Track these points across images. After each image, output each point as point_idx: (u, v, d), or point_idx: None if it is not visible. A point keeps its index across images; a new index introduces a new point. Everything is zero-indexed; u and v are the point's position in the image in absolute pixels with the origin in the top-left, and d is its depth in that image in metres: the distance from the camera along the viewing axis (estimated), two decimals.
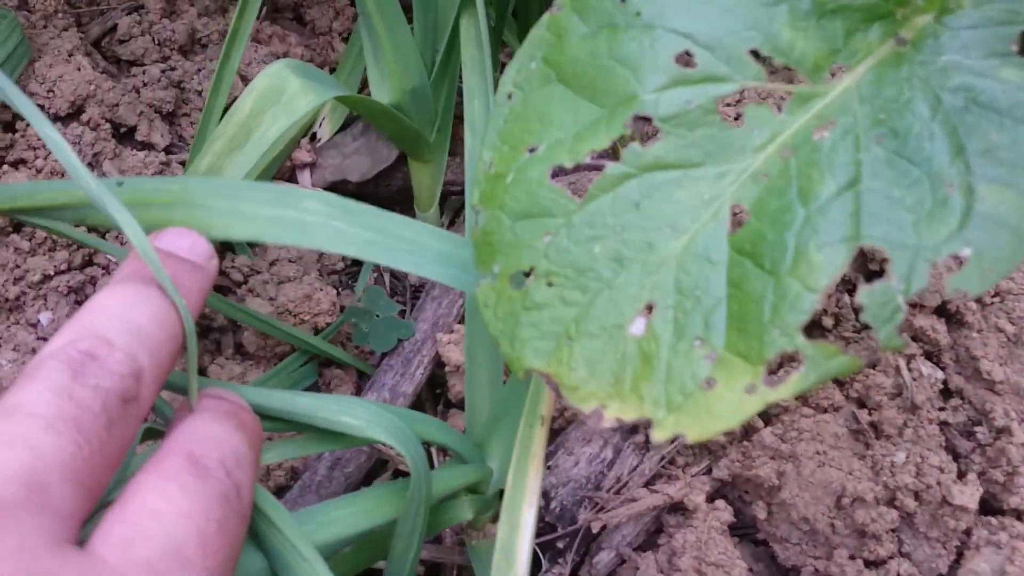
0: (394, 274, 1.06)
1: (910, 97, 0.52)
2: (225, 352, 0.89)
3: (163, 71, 1.00)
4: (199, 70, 1.02)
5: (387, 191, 1.01)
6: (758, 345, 0.47)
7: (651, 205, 0.53)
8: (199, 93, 1.00)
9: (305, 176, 1.00)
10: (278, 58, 1.07)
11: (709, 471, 0.80)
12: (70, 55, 0.93)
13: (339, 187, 0.99)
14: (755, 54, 0.53)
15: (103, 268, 0.85)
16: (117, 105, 0.92)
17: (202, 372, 0.87)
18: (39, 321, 0.81)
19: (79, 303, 0.83)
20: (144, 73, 0.97)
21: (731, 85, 0.53)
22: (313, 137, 1.04)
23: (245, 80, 1.03)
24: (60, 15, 0.97)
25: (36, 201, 0.57)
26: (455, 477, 0.67)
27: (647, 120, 0.54)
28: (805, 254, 0.48)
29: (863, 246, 0.47)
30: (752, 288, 0.49)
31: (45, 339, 0.81)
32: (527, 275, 0.54)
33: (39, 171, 0.86)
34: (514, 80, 0.58)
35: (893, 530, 0.76)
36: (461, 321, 0.92)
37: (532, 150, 0.56)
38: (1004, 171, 0.49)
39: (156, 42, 1.02)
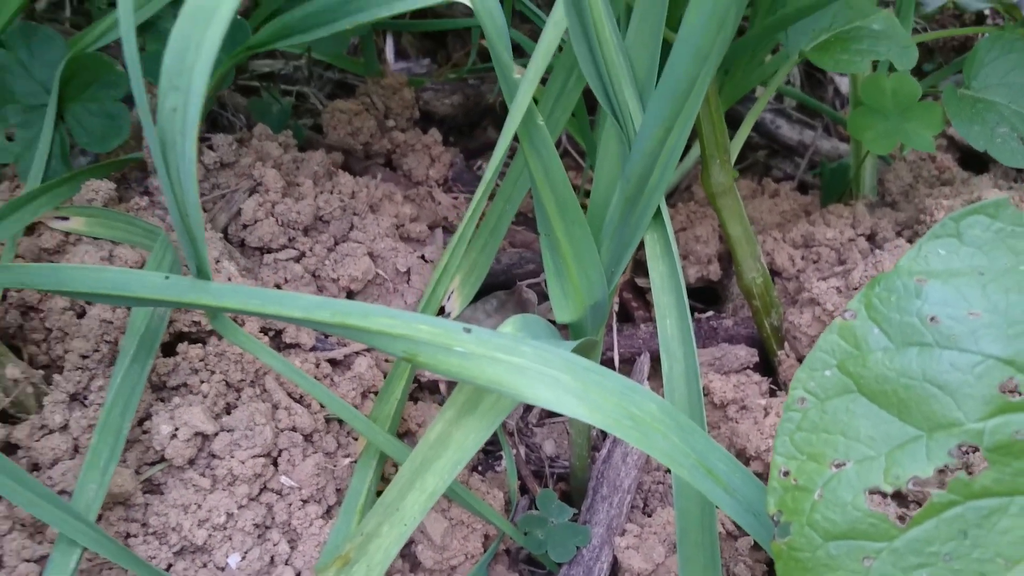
0: (527, 443, 1.05)
1: None
2: (394, 565, 0.87)
3: (295, 258, 0.97)
4: (328, 251, 1.00)
5: None
6: None
7: (979, 534, 0.53)
8: (336, 280, 0.97)
9: None
10: (399, 227, 1.05)
11: None
12: (217, 262, 0.90)
13: None
14: None
15: (277, 493, 0.83)
16: None
17: None
18: (228, 564, 0.79)
19: (264, 539, 0.81)
20: (284, 269, 0.95)
21: None
22: (442, 311, 1.02)
23: (374, 257, 1.01)
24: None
25: None
26: None
27: (972, 448, 0.53)
28: None
29: None
30: None
31: None
32: None
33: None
34: (806, 386, 0.57)
35: None
36: (630, 519, 0.91)
37: (838, 465, 0.56)
38: None
39: (280, 223, 0.99)
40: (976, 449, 0.53)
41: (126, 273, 0.66)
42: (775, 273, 1.11)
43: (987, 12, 1.84)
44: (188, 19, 0.49)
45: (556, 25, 0.71)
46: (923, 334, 0.55)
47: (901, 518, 0.54)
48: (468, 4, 0.70)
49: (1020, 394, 0.53)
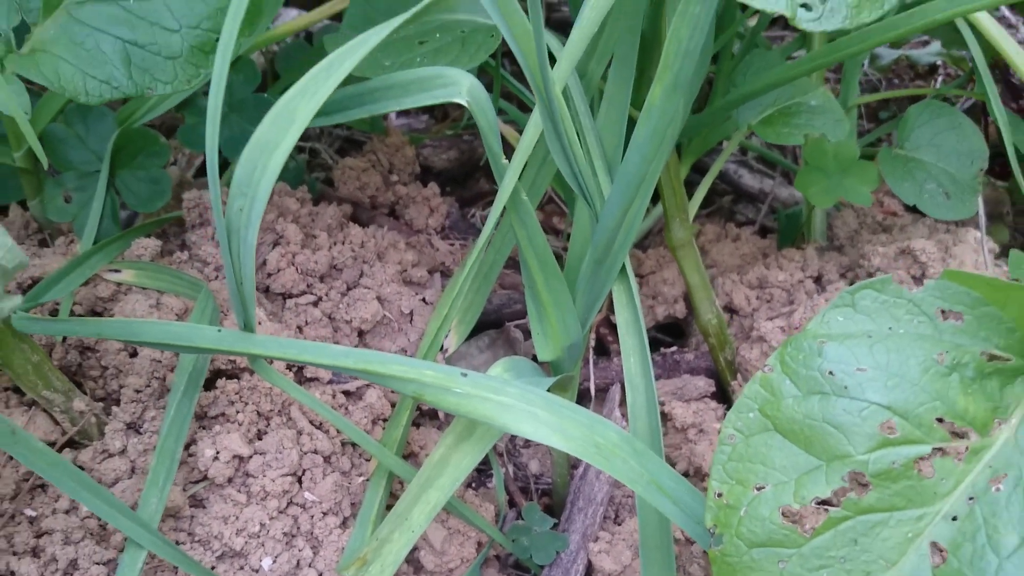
0: (515, 463, 1.20)
1: None
2: (400, 568, 1.02)
3: (313, 302, 1.12)
4: (342, 296, 1.14)
5: None
6: None
7: (866, 541, 0.68)
8: (349, 322, 1.12)
9: None
10: (402, 273, 1.20)
11: None
12: None
13: None
14: (939, 419, 0.69)
15: (302, 507, 0.98)
16: None
17: None
18: (261, 566, 0.93)
19: (291, 546, 0.95)
20: (305, 312, 1.10)
21: (925, 447, 0.68)
22: (441, 347, 1.17)
23: (381, 300, 1.16)
24: None
25: None
26: None
27: (860, 474, 0.69)
28: None
29: None
30: None
31: None
32: None
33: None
34: (735, 424, 0.73)
35: None
36: (603, 528, 1.06)
37: (759, 488, 0.71)
38: None
39: (300, 272, 1.14)
40: (863, 475, 0.69)
41: (188, 328, 0.81)
42: (733, 311, 1.27)
43: (939, 63, 2.01)
44: (257, 146, 0.64)
45: (535, 125, 0.86)
46: (823, 385, 0.70)
47: (806, 529, 0.69)
48: (464, 104, 0.85)
49: (896, 432, 0.69)
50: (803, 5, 0.70)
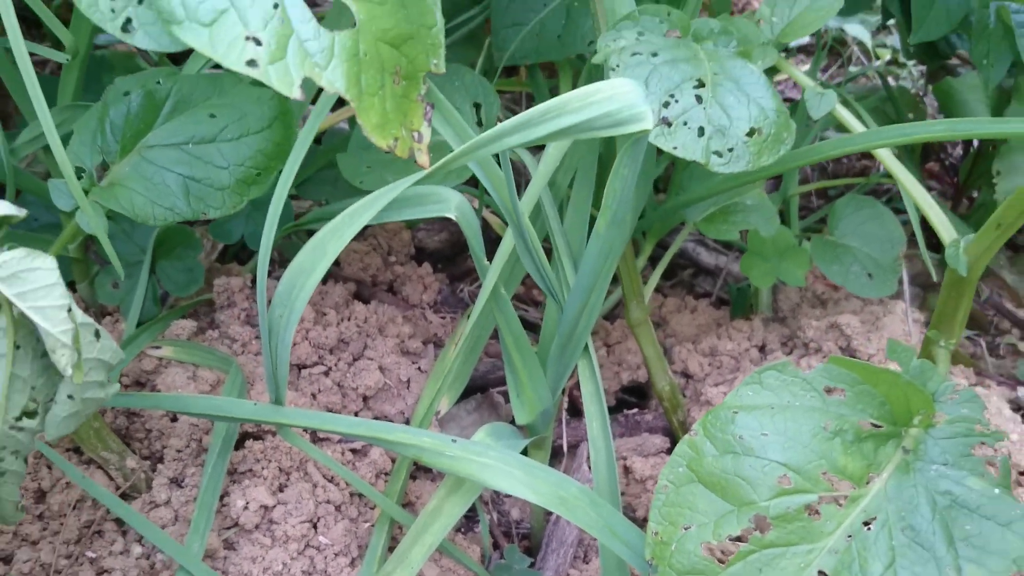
0: (499, 511, 1.38)
1: (917, 502, 0.87)
2: None
3: (324, 372, 1.31)
4: (349, 366, 1.33)
5: None
6: None
7: (769, 570, 0.87)
8: (355, 389, 1.31)
9: None
10: (400, 344, 1.40)
11: None
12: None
13: None
14: (825, 474, 0.88)
15: (317, 549, 1.16)
16: None
17: None
18: None
19: None
20: (317, 381, 1.29)
21: (812, 496, 0.87)
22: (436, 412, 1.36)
23: (383, 370, 1.35)
24: (255, 340, 1.28)
25: None
26: None
27: (763, 517, 0.88)
28: None
29: None
30: None
31: None
32: None
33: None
34: (668, 477, 0.92)
35: None
36: (573, 566, 1.24)
37: (687, 528, 0.89)
38: (976, 552, 0.84)
39: (313, 345, 1.33)
40: (765, 518, 0.88)
41: (229, 401, 1.00)
42: (688, 376, 1.46)
43: None
44: (296, 270, 0.84)
45: (509, 238, 1.06)
46: (735, 446, 0.90)
47: (722, 561, 0.88)
48: (453, 218, 1.05)
49: (791, 484, 0.88)
50: (715, 152, 0.90)
